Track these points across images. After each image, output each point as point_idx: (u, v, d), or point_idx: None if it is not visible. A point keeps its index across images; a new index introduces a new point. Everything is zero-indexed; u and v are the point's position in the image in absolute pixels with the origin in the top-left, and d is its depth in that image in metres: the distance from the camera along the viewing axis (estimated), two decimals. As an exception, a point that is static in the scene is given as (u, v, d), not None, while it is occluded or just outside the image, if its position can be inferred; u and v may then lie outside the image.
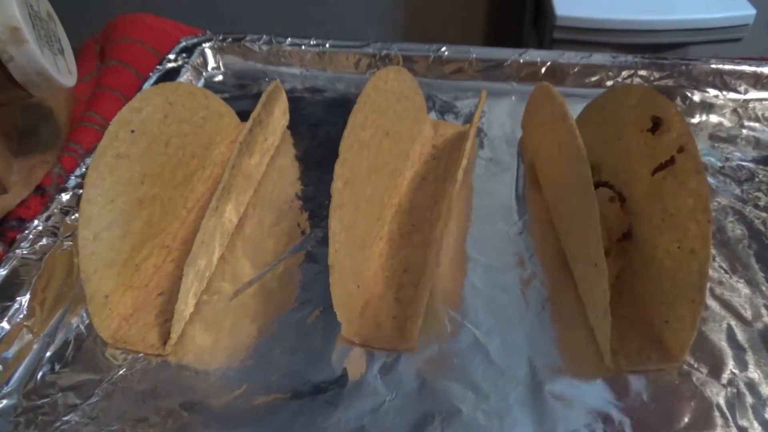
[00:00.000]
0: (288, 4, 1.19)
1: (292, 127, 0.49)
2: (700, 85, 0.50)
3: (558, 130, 0.37)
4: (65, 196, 0.41)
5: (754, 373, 0.32)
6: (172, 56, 0.55)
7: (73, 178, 0.43)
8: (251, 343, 0.34)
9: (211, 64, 0.56)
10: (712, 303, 0.35)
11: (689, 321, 0.31)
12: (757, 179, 0.43)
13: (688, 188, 0.31)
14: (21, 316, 0.35)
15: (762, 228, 0.39)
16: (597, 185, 0.37)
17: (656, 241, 0.34)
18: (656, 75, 0.51)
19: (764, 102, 0.49)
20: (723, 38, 0.85)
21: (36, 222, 0.39)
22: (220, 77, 0.56)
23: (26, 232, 0.39)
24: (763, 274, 0.36)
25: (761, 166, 0.43)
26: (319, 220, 0.41)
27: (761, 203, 0.41)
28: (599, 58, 0.52)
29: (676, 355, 0.32)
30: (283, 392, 0.32)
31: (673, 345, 0.32)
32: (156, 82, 0.52)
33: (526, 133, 0.47)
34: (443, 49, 0.53)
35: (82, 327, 0.35)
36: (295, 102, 0.50)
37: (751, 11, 0.83)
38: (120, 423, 0.31)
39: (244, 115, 0.45)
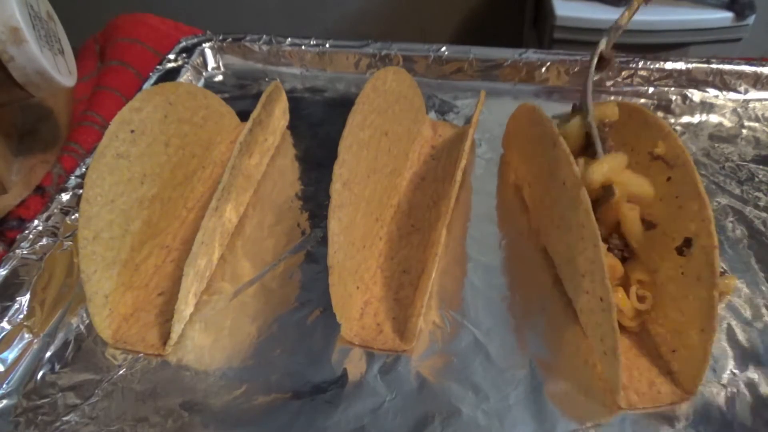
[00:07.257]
0: (288, 4, 1.18)
1: (292, 127, 0.49)
2: (700, 85, 0.50)
3: (547, 155, 0.35)
4: (65, 196, 0.41)
5: (754, 373, 0.32)
6: (172, 56, 0.55)
7: (73, 178, 0.43)
8: (251, 343, 0.34)
9: (211, 64, 0.56)
10: (711, 303, 0.35)
11: (700, 351, 0.29)
12: (757, 179, 0.42)
13: (690, 212, 0.30)
14: (21, 316, 0.35)
15: (762, 228, 0.39)
16: None
17: (656, 266, 0.33)
18: (656, 75, 0.51)
19: (764, 102, 0.49)
20: (723, 38, 0.85)
21: (36, 222, 0.39)
22: (220, 77, 0.56)
23: (26, 232, 0.39)
24: (763, 274, 0.36)
25: (761, 166, 0.43)
26: (319, 220, 0.41)
27: (761, 203, 0.41)
28: (599, 58, 0.51)
29: (689, 387, 0.30)
30: (283, 392, 0.32)
31: (685, 377, 0.30)
32: (156, 82, 0.52)
33: (509, 153, 0.45)
34: (443, 49, 0.53)
35: (82, 327, 0.35)
36: (295, 102, 0.50)
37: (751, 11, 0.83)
38: (120, 423, 0.31)
39: (244, 115, 0.45)
